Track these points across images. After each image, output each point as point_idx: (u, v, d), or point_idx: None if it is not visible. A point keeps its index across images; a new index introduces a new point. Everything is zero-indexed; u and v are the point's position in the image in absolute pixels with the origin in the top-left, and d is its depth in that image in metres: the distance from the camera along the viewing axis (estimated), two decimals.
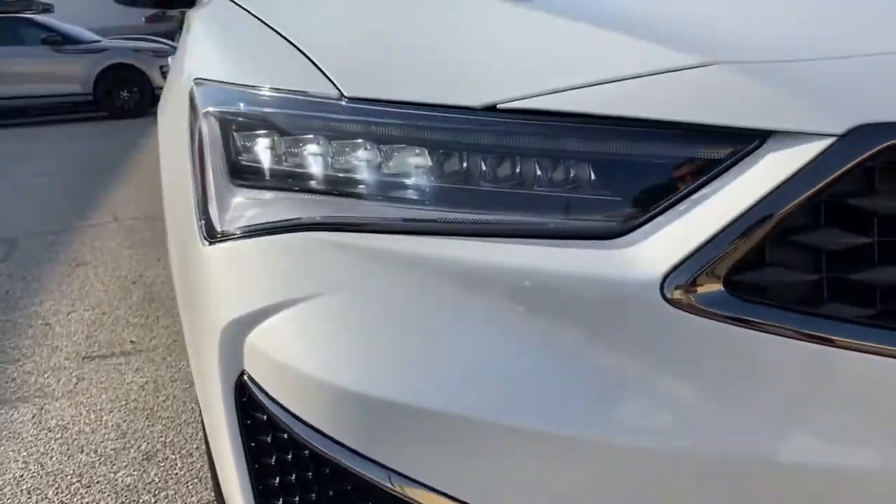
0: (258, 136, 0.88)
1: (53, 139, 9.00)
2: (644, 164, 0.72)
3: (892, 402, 0.67)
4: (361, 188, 0.81)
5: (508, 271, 0.72)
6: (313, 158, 0.85)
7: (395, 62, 0.85)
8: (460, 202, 0.77)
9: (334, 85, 0.84)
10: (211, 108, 0.92)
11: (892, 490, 0.69)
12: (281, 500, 0.83)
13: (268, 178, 0.87)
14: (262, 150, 0.88)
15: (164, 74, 11.06)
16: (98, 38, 12.35)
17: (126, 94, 11.51)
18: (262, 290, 0.83)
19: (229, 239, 0.87)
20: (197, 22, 1.40)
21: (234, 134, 0.90)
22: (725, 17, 0.80)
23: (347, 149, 0.83)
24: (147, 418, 2.02)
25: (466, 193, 0.77)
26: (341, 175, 0.83)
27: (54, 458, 1.86)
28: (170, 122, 1.27)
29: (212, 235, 0.89)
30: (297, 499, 0.82)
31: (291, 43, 0.95)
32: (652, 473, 0.69)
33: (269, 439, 0.83)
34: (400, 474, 0.75)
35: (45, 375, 2.35)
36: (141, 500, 1.65)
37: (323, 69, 0.87)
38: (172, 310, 2.84)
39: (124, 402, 2.13)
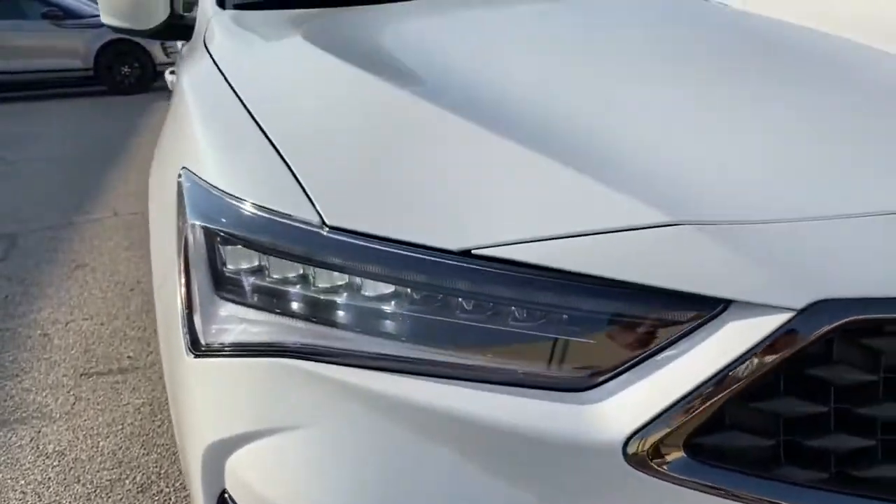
0: (243, 253, 0.91)
1: (53, 117, 8.98)
2: (610, 321, 0.74)
3: None
4: (339, 319, 0.83)
5: (475, 419, 0.75)
6: (294, 284, 0.87)
7: (379, 194, 0.87)
8: (434, 342, 0.79)
9: (318, 212, 0.86)
10: (198, 222, 0.94)
11: None
12: None
13: (250, 296, 0.90)
14: (246, 268, 0.91)
15: (165, 51, 11.00)
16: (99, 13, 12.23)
17: (127, 70, 11.46)
18: (243, 414, 0.85)
19: (213, 355, 0.89)
20: (188, 84, 1.41)
21: (220, 248, 0.93)
22: (694, 166, 0.82)
23: (327, 278, 0.85)
24: (143, 446, 2.06)
25: (440, 334, 0.79)
26: (320, 304, 0.85)
27: (52, 489, 1.90)
28: (160, 195, 1.28)
29: (196, 348, 0.91)
30: None
31: (279, 153, 0.97)
32: None
33: None
34: None
35: (44, 394, 2.39)
36: None
37: (309, 193, 0.88)
38: None
39: (120, 427, 2.17)
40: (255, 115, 1.09)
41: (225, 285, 0.92)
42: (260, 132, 1.04)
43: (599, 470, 0.71)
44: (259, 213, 0.90)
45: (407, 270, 0.80)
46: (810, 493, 0.69)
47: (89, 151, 6.58)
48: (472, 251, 0.78)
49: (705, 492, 0.69)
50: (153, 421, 2.19)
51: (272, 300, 0.88)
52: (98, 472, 1.96)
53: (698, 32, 1.29)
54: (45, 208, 4.67)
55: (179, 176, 1.09)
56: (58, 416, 2.26)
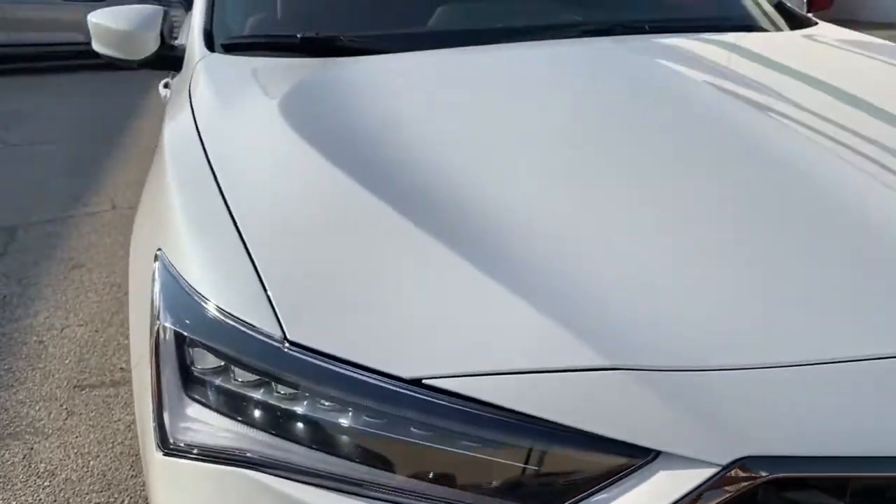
0: (209, 358, 0.94)
1: (55, 93, 8.98)
2: (546, 461, 0.78)
3: None
4: (296, 434, 0.87)
5: None
6: (257, 392, 0.91)
7: (341, 312, 0.90)
8: (384, 466, 0.83)
9: (280, 325, 0.90)
10: (168, 324, 0.98)
11: None
12: None
13: (216, 400, 0.94)
14: (213, 370, 0.95)
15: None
16: None
17: None
18: None
19: (179, 455, 0.94)
20: (169, 144, 1.44)
21: (188, 349, 0.96)
22: (639, 306, 0.85)
23: (285, 393, 0.89)
24: (132, 467, 2.12)
25: (390, 458, 0.83)
26: (279, 417, 0.89)
27: None
28: (139, 267, 1.31)
29: (165, 445, 0.96)
30: None
31: (249, 253, 1.00)
32: None
33: None
34: None
35: (37, 407, 2.44)
36: None
37: (273, 303, 0.92)
38: None
39: (111, 446, 2.22)
40: (230, 204, 1.12)
41: (193, 385, 0.96)
42: (233, 224, 1.07)
43: None
44: (225, 319, 0.94)
45: (360, 395, 0.84)
46: None
47: (89, 132, 6.60)
48: (423, 381, 0.82)
49: None
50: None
51: (236, 406, 0.92)
52: (87, 493, 2.02)
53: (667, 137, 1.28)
54: (45, 198, 4.71)
55: (156, 258, 1.13)
56: (50, 431, 2.31)
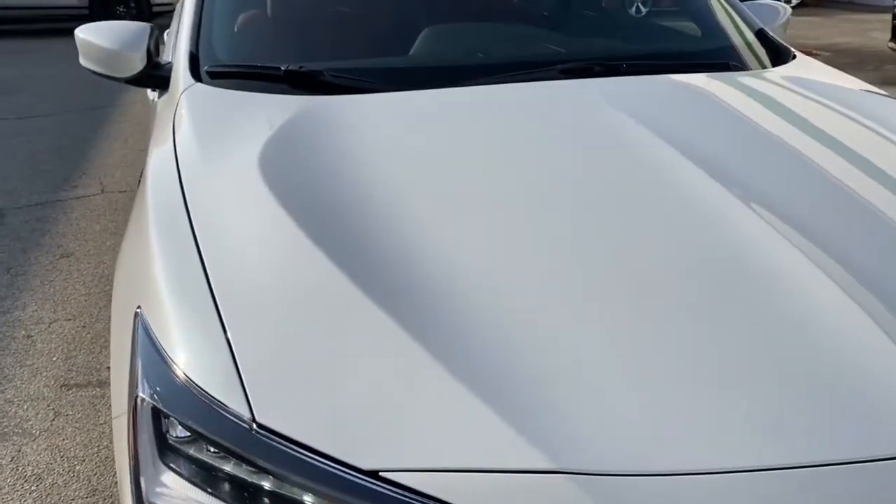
0: (182, 432, 1.00)
1: (45, 60, 8.91)
2: None
3: None
4: None
5: None
6: (226, 468, 0.97)
7: (308, 399, 0.96)
8: None
9: (249, 406, 0.95)
10: (144, 395, 1.03)
11: None
12: None
13: (187, 471, 0.99)
14: (185, 442, 1.00)
15: None
16: None
17: (122, 10, 11.31)
18: None
19: None
20: (153, 185, 1.48)
21: (164, 419, 1.02)
22: (586, 409, 0.91)
23: (252, 471, 0.95)
24: (115, 474, 2.19)
25: None
26: (248, 493, 0.95)
27: None
28: (121, 310, 1.36)
29: (137, 500, 1.02)
30: None
31: (223, 324, 1.05)
32: None
33: None
34: None
35: (25, 407, 2.50)
36: None
37: (244, 382, 0.97)
38: None
39: (96, 450, 2.29)
40: (208, 268, 1.17)
41: (167, 453, 1.02)
42: (210, 292, 1.12)
43: None
44: (198, 395, 0.99)
45: (321, 482, 0.90)
46: None
47: (78, 104, 6.58)
48: (379, 473, 0.88)
49: None
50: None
51: (206, 478, 0.98)
52: (73, 499, 2.09)
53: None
54: (34, 178, 4.73)
55: (136, 315, 1.18)
56: (37, 433, 2.38)
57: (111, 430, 1.46)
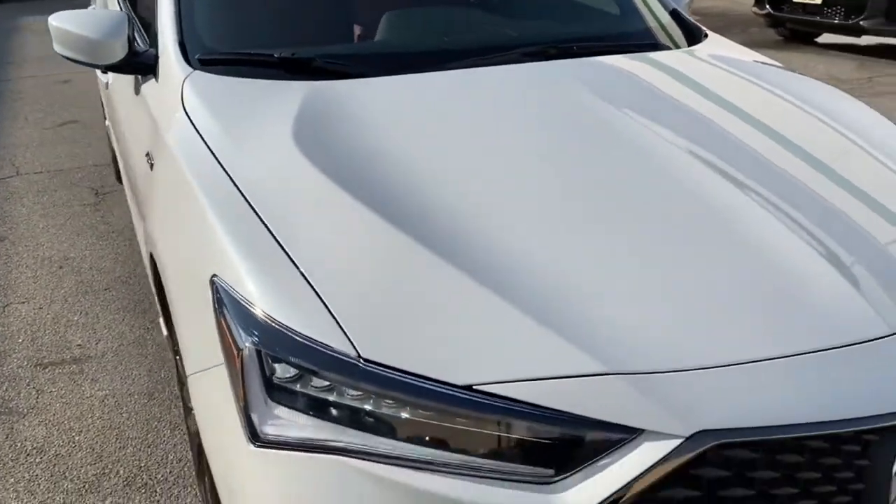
0: (291, 371, 1.21)
1: None
2: (565, 440, 1.12)
3: None
4: (367, 426, 1.17)
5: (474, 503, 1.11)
6: (330, 397, 1.19)
7: (401, 331, 1.19)
8: (441, 447, 1.14)
9: (353, 346, 1.18)
10: (249, 345, 1.24)
11: None
12: None
13: (298, 402, 1.21)
14: (291, 381, 1.22)
15: None
16: None
17: None
18: (300, 496, 1.18)
19: (268, 446, 1.21)
20: (189, 168, 1.63)
21: (270, 363, 1.23)
22: (624, 323, 1.19)
23: (362, 396, 1.18)
24: (117, 439, 2.32)
25: (449, 442, 1.15)
26: (353, 414, 1.18)
27: (42, 486, 2.15)
28: (182, 279, 1.53)
29: (255, 438, 1.22)
30: None
31: (307, 280, 1.27)
32: None
33: None
34: None
35: (5, 387, 2.57)
36: None
37: (345, 329, 1.19)
38: (110, 305, 3.06)
39: (90, 421, 2.41)
40: (274, 231, 1.37)
41: (276, 392, 1.23)
42: (285, 254, 1.33)
43: None
44: (304, 341, 1.21)
45: (423, 398, 1.14)
46: None
47: None
48: (473, 386, 1.13)
49: None
50: (120, 413, 2.44)
51: (315, 407, 1.20)
52: (81, 467, 2.22)
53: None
54: None
55: (212, 283, 1.36)
56: (25, 410, 2.46)
57: (186, 390, 1.60)
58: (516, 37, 2.28)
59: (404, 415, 1.16)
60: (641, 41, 2.34)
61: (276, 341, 1.23)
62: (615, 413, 1.10)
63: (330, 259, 1.33)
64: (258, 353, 1.24)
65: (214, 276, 1.37)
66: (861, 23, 6.71)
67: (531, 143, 1.69)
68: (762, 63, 2.35)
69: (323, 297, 1.24)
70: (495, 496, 1.11)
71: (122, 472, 2.20)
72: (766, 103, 1.99)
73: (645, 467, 1.08)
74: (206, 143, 1.66)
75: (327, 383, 1.20)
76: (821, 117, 1.95)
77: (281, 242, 1.35)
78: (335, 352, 1.18)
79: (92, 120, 5.58)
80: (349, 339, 1.19)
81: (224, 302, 1.32)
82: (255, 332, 1.25)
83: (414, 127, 1.72)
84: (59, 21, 2.15)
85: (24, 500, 2.10)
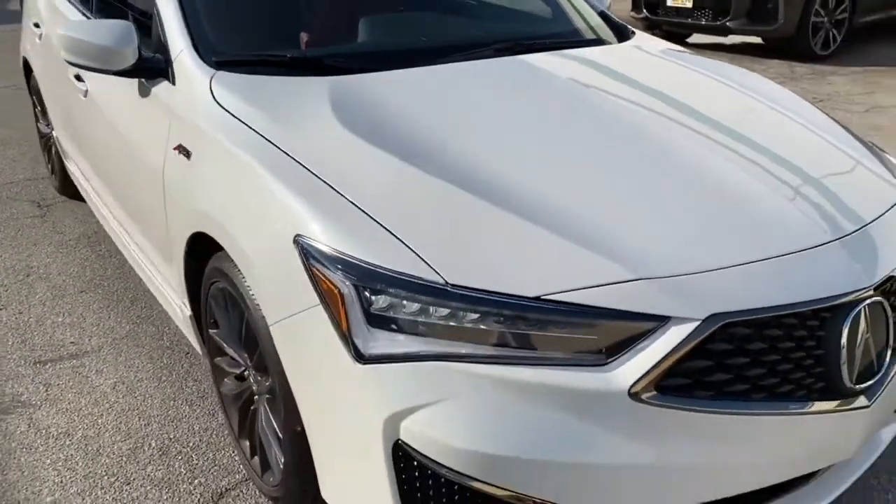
0: (389, 302, 1.51)
1: None
2: (613, 329, 1.47)
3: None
4: (461, 337, 1.48)
5: (550, 385, 1.45)
6: (425, 319, 1.50)
7: (473, 260, 1.51)
8: (522, 347, 1.47)
9: (440, 275, 1.49)
10: (350, 282, 1.52)
11: None
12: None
13: (395, 327, 1.51)
14: (388, 311, 1.51)
15: None
16: None
17: None
18: (407, 396, 1.48)
19: (374, 363, 1.50)
20: (243, 145, 1.89)
21: (368, 296, 1.52)
22: (646, 242, 1.56)
23: (452, 314, 1.49)
24: (139, 418, 2.50)
25: (523, 341, 1.48)
26: (444, 328, 1.49)
27: (80, 463, 2.30)
28: (265, 243, 1.78)
29: (360, 357, 1.51)
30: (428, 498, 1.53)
31: (386, 229, 1.57)
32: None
33: (411, 469, 1.51)
34: (497, 487, 1.48)
35: (11, 384, 2.68)
36: (181, 489, 2.20)
37: (429, 263, 1.50)
38: (91, 305, 3.18)
39: (107, 405, 2.56)
40: (346, 194, 1.66)
41: (374, 319, 1.52)
42: (358, 209, 1.62)
43: (616, 404, 1.44)
44: (398, 276, 1.51)
45: (503, 308, 1.47)
46: (709, 402, 1.49)
47: None
48: (541, 297, 1.47)
49: (666, 407, 1.45)
50: (135, 397, 2.60)
51: (409, 327, 1.50)
52: (113, 444, 2.38)
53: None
54: None
55: (296, 242, 1.64)
56: (38, 403, 2.58)
57: (208, 366, 1.81)
58: (491, 36, 2.65)
59: (483, 326, 1.48)
60: (587, 37, 2.77)
61: (374, 279, 1.52)
62: (648, 306, 1.47)
63: (397, 210, 1.64)
64: (357, 290, 1.52)
65: (298, 235, 1.64)
66: (727, 23, 7.51)
67: (526, 110, 2.07)
68: (680, 50, 2.83)
69: (404, 240, 1.55)
70: (565, 378, 1.45)
71: (153, 444, 2.38)
72: (693, 79, 2.47)
73: (673, 346, 1.45)
74: (251, 129, 1.92)
75: (417, 307, 1.50)
76: (734, 86, 2.45)
77: (352, 200, 1.65)
78: (427, 281, 1.49)
79: (9, 137, 5.53)
80: (435, 271, 1.50)
81: (313, 255, 1.60)
82: (353, 275, 1.53)
83: (434, 106, 2.06)
84: (71, 31, 2.33)
85: (66, 476, 2.25)
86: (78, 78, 3.00)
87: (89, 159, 3.22)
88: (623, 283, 1.49)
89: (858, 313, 1.58)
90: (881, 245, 1.70)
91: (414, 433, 1.49)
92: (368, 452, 1.54)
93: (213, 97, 2.09)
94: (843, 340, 1.56)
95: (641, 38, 2.87)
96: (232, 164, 1.92)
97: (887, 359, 1.68)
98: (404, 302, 1.51)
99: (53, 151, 4.27)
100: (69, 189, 4.17)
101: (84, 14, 3.20)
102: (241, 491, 2.19)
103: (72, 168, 3.81)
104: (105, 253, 3.67)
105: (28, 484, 2.22)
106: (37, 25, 3.83)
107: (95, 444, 2.38)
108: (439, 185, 1.71)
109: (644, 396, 1.45)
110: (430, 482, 1.52)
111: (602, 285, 1.48)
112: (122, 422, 2.49)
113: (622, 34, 2.88)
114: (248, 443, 2.18)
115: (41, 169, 4.78)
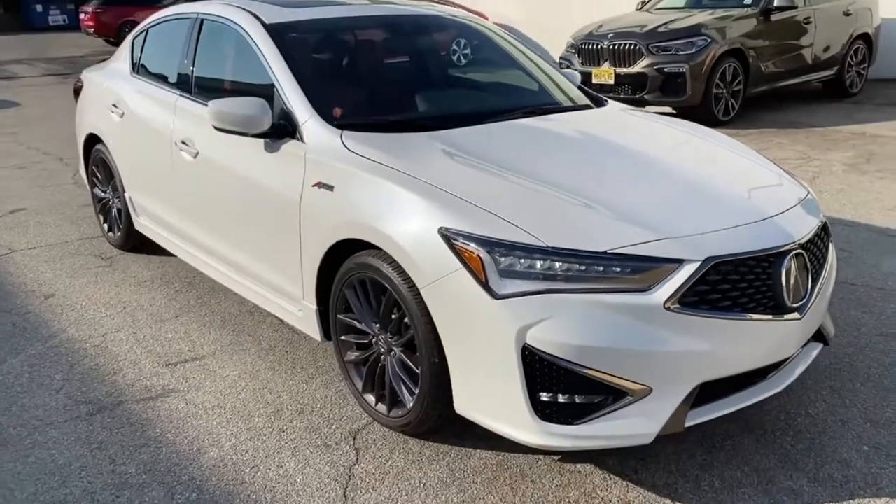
0: (510, 261, 2.44)
1: None
2: (650, 270, 2.44)
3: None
4: (558, 280, 2.42)
5: (616, 303, 2.39)
6: (534, 269, 2.43)
7: (557, 228, 2.47)
8: (598, 282, 2.42)
9: (540, 241, 2.44)
10: (485, 253, 2.44)
11: None
12: (540, 388, 2.43)
13: (517, 275, 2.44)
14: (512, 266, 2.44)
15: None
16: None
17: None
18: (529, 315, 2.40)
19: (502, 298, 2.42)
20: (371, 169, 2.81)
21: (497, 258, 2.45)
22: (661, 216, 2.56)
23: (549, 264, 2.43)
24: (270, 392, 3.27)
25: (598, 280, 2.42)
26: (545, 276, 2.42)
27: (239, 422, 3.06)
28: (412, 235, 2.68)
29: (495, 296, 2.43)
30: (549, 385, 2.42)
31: (504, 219, 2.51)
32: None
33: (534, 362, 2.41)
34: (593, 369, 2.39)
35: (156, 379, 3.41)
36: (325, 432, 2.98)
37: (532, 233, 2.45)
38: (190, 325, 3.93)
39: (242, 386, 3.33)
40: (464, 198, 2.60)
41: (502, 272, 2.45)
42: (475, 206, 2.56)
43: (656, 312, 2.40)
44: (514, 244, 2.44)
45: (583, 259, 2.42)
46: (713, 311, 2.46)
47: None
48: (607, 252, 2.43)
49: (684, 314, 2.42)
50: (259, 381, 3.38)
51: (524, 275, 2.43)
52: (258, 409, 3.15)
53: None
54: None
55: (441, 231, 2.55)
56: (185, 389, 3.33)
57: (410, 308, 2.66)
58: (518, 105, 3.73)
59: (571, 271, 2.42)
60: (580, 104, 3.85)
61: (500, 246, 2.45)
62: (671, 254, 2.44)
63: (500, 204, 2.58)
64: (490, 255, 2.45)
65: (441, 226, 2.56)
66: (644, 97, 8.87)
67: (555, 145, 3.13)
68: (645, 111, 3.94)
69: (511, 222, 2.49)
70: (626, 299, 2.39)
71: (290, 407, 3.17)
72: (658, 129, 3.56)
73: (686, 278, 2.42)
74: (381, 164, 2.85)
75: (528, 262, 2.43)
76: (692, 131, 3.55)
77: (469, 200, 2.59)
78: (533, 245, 2.43)
79: (38, 206, 6.19)
80: (537, 238, 2.44)
81: (458, 236, 2.51)
82: (486, 246, 2.46)
83: (500, 144, 3.09)
84: (219, 105, 3.23)
85: (233, 430, 3.01)
86: (184, 144, 3.84)
87: (186, 211, 4.02)
88: (653, 242, 2.47)
89: (791, 259, 2.60)
90: (798, 220, 2.76)
91: (536, 338, 2.39)
92: (502, 359, 2.43)
93: (346, 147, 3.01)
94: (783, 275, 2.57)
95: (613, 104, 3.96)
96: (372, 187, 2.82)
97: (810, 290, 2.70)
98: (521, 260, 2.44)
99: (113, 213, 5.01)
100: (129, 243, 4.92)
101: (183, 95, 4.06)
102: (370, 430, 3.00)
103: (144, 222, 4.58)
104: (181, 289, 4.43)
105: (206, 437, 2.97)
106: (115, 106, 4.64)
107: (245, 411, 3.15)
108: (522, 186, 2.68)
109: (671, 307, 2.41)
110: (548, 370, 2.42)
111: (642, 243, 2.46)
112: (257, 396, 3.26)
113: (599, 101, 3.96)
114: (371, 396, 3.01)
115: (86, 230, 5.49)
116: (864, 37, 10.44)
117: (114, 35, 24.42)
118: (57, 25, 35.40)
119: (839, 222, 5.29)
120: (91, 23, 24.53)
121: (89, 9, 24.67)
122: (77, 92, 5.36)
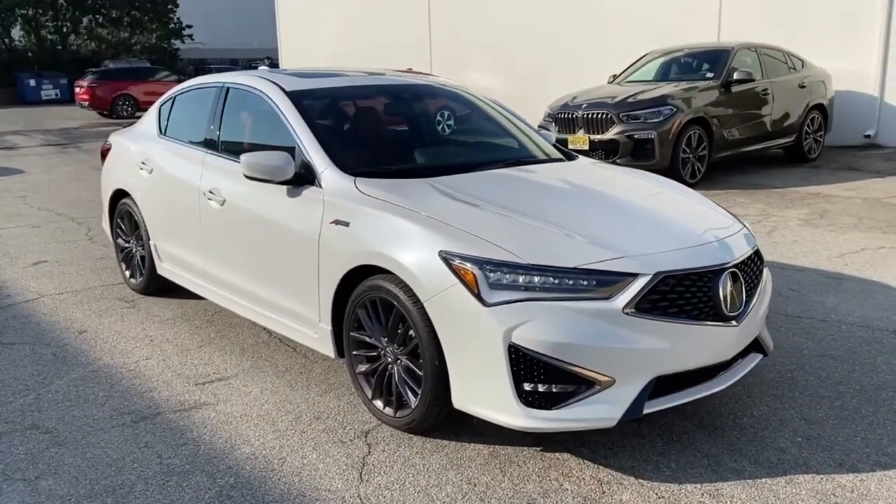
0: (497, 276, 3.01)
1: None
2: (609, 282, 3.00)
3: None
4: (536, 290, 2.98)
5: (585, 309, 2.95)
6: (520, 281, 3.00)
7: (531, 248, 3.04)
8: (566, 291, 2.98)
9: (521, 258, 3.01)
10: (478, 270, 3.01)
11: None
12: (524, 380, 2.95)
13: (503, 287, 3.00)
14: (499, 279, 3.01)
15: None
16: None
17: None
18: (513, 319, 2.94)
19: (492, 306, 2.97)
20: (381, 206, 3.39)
21: (488, 274, 3.02)
22: (617, 239, 3.15)
23: (530, 278, 2.99)
24: (290, 403, 3.76)
25: (566, 291, 2.98)
26: (525, 286, 2.98)
27: (266, 426, 3.53)
28: (414, 256, 3.24)
29: (485, 304, 2.98)
30: (531, 377, 2.95)
31: (489, 241, 3.09)
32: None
33: (519, 358, 2.95)
34: (567, 363, 2.93)
35: (188, 395, 3.89)
36: (340, 432, 3.47)
37: (513, 252, 3.02)
38: (213, 353, 4.43)
39: (263, 400, 3.81)
40: (455, 225, 3.18)
41: (491, 284, 3.01)
42: (464, 231, 3.14)
43: (616, 316, 2.95)
44: (500, 262, 3.02)
45: (555, 274, 2.99)
46: (668, 317, 3.02)
47: None
48: (576, 267, 3.00)
49: (640, 318, 2.97)
50: (279, 395, 3.86)
51: (508, 286, 3.00)
52: (280, 416, 3.63)
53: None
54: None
55: (441, 254, 3.13)
56: (215, 402, 3.80)
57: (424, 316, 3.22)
58: (500, 157, 4.37)
59: (547, 283, 2.98)
60: (553, 157, 4.49)
61: (489, 265, 3.01)
62: (627, 269, 3.01)
63: (489, 230, 3.16)
64: (482, 271, 3.01)
65: (441, 250, 3.12)
66: (616, 161, 9.60)
67: (534, 187, 3.74)
68: (613, 163, 4.60)
69: (497, 244, 3.06)
70: (592, 305, 2.95)
71: (308, 414, 3.66)
72: (620, 177, 4.21)
73: (639, 288, 2.99)
74: (390, 203, 3.43)
75: (511, 276, 2.99)
76: (648, 178, 4.18)
77: (463, 229, 3.16)
78: (515, 263, 3.00)
79: (59, 259, 6.70)
80: (518, 256, 3.01)
81: (455, 257, 3.07)
82: (477, 264, 3.02)
83: (486, 186, 3.68)
84: (251, 158, 3.83)
85: (261, 432, 3.49)
86: (212, 193, 4.42)
87: (211, 252, 4.56)
88: (613, 259, 3.04)
89: (727, 275, 3.18)
90: (734, 246, 3.35)
91: (520, 337, 2.93)
92: (492, 356, 2.96)
93: (359, 190, 3.60)
94: (720, 288, 3.15)
95: (583, 158, 4.61)
96: (382, 221, 3.40)
97: (745, 302, 3.28)
98: (507, 274, 3.00)
99: (136, 261, 5.54)
100: (151, 288, 5.43)
101: (210, 152, 4.65)
102: (380, 430, 3.50)
103: (167, 266, 5.11)
104: (201, 325, 4.93)
105: (237, 437, 3.45)
106: (143, 164, 5.22)
107: (269, 418, 3.64)
108: (506, 217, 3.27)
109: (628, 312, 2.96)
110: (530, 364, 2.95)
111: (603, 261, 3.03)
112: (279, 407, 3.75)
113: (570, 156, 4.61)
114: (379, 401, 3.52)
115: (107, 279, 6.00)
116: (819, 107, 11.33)
117: (108, 108, 25.30)
118: (49, 99, 36.45)
119: (791, 268, 5.91)
120: (86, 96, 25.42)
121: (85, 83, 25.60)
122: (104, 154, 5.95)
